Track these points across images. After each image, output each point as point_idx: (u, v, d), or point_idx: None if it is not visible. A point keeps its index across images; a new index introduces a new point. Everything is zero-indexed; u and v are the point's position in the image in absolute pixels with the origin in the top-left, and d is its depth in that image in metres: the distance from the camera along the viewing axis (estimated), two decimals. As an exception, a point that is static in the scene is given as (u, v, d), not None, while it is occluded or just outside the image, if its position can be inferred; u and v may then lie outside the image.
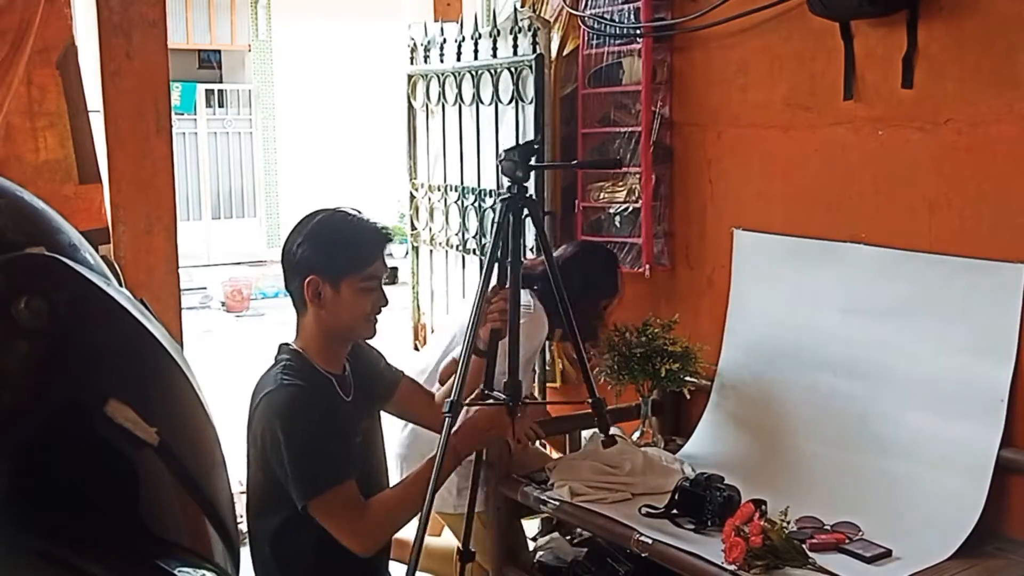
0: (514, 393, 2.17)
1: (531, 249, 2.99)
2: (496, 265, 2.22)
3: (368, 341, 2.23)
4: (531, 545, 3.11)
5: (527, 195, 2.17)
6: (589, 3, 3.23)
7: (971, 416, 2.33)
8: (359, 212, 2.10)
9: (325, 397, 2.08)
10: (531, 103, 3.27)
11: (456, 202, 3.79)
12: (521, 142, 2.23)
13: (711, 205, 3.05)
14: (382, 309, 2.13)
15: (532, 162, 2.21)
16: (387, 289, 2.16)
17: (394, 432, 2.85)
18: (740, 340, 2.91)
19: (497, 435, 2.25)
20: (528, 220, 2.26)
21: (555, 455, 3.21)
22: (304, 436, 1.99)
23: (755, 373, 2.84)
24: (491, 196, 3.58)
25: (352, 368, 2.21)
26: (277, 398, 2.02)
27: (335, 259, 2.04)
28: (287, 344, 2.15)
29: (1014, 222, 2.31)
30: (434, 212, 4.00)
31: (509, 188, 2.16)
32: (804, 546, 2.22)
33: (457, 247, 3.87)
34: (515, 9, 3.40)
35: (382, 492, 2.14)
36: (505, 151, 2.19)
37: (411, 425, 2.73)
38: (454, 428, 2.11)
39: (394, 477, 2.39)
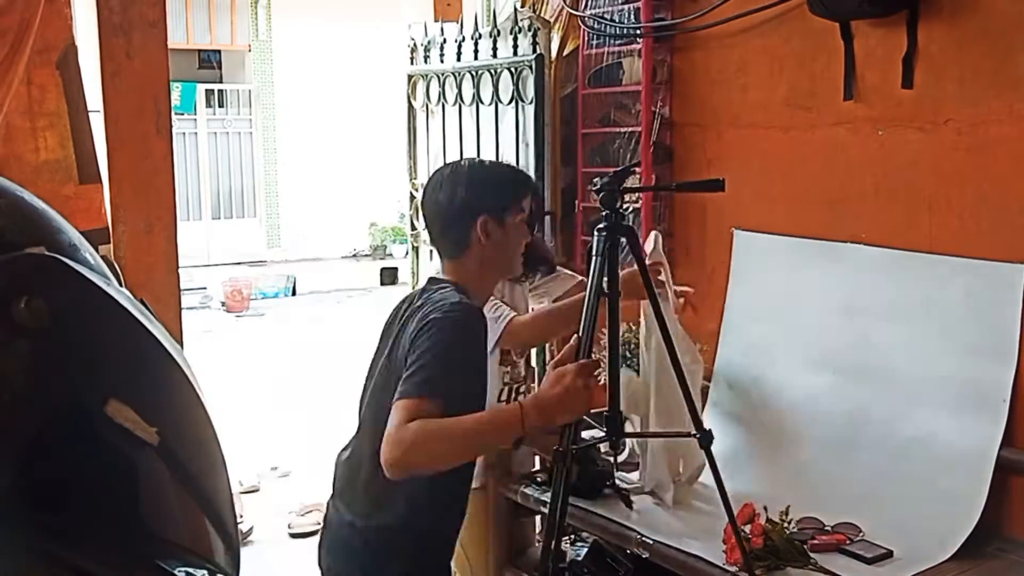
0: (615, 428, 2.06)
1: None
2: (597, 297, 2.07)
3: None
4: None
5: (623, 222, 2.05)
6: (589, 3, 3.23)
7: (971, 416, 2.33)
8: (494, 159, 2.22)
9: (484, 331, 2.04)
10: (531, 103, 3.27)
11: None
12: (617, 168, 2.09)
13: (711, 205, 3.05)
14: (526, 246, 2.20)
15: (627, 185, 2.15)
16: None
17: None
18: (738, 340, 2.91)
19: (573, 412, 1.97)
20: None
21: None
22: (456, 348, 1.94)
23: (754, 373, 2.84)
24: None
25: None
26: (456, 308, 1.97)
27: (501, 196, 2.11)
28: (444, 279, 2.12)
29: (1014, 222, 2.31)
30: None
31: (606, 216, 2.03)
32: (805, 547, 2.22)
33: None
34: (515, 9, 3.40)
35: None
36: (604, 181, 2.06)
37: None
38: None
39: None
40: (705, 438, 2.06)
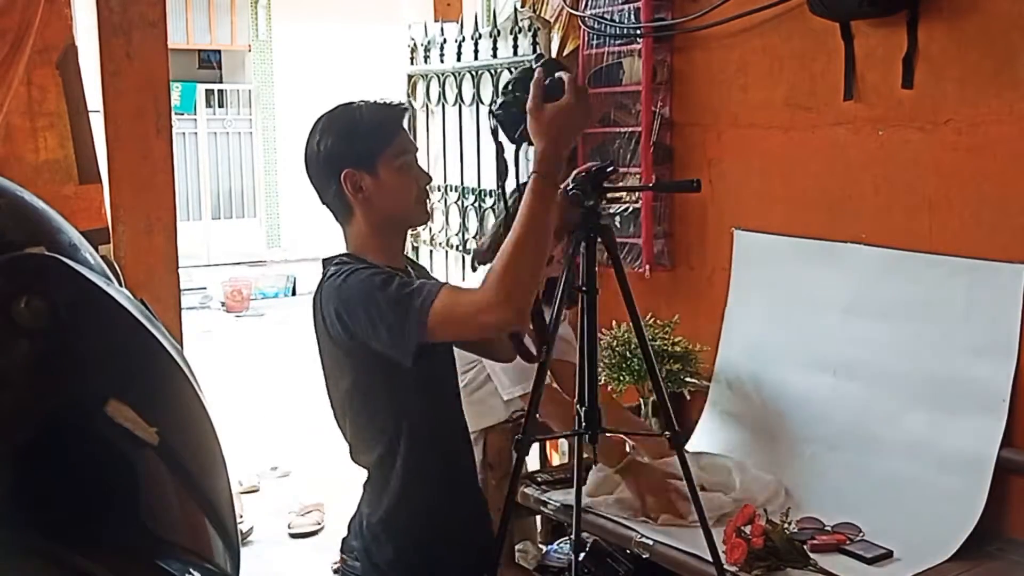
0: (593, 422, 2.05)
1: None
2: (566, 295, 2.06)
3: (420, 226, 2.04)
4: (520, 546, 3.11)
5: (598, 220, 2.01)
6: (589, 3, 3.23)
7: (971, 416, 2.33)
8: (365, 100, 1.96)
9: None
10: (531, 103, 3.26)
11: (456, 202, 3.79)
12: (592, 168, 2.00)
13: (711, 205, 3.05)
14: (428, 189, 1.99)
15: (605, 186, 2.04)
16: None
17: None
18: (738, 340, 2.91)
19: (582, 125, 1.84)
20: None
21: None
22: (381, 283, 1.79)
23: (754, 373, 2.84)
24: (491, 196, 3.58)
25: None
26: (336, 284, 1.84)
27: (359, 143, 1.89)
28: (335, 255, 1.97)
29: (1014, 222, 2.31)
30: (434, 212, 4.00)
31: (582, 215, 1.99)
32: (805, 547, 2.22)
33: (457, 247, 3.87)
34: (515, 9, 3.40)
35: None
36: (575, 183, 1.98)
37: None
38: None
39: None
40: (677, 438, 2.05)
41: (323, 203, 1.96)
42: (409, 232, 4.19)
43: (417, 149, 1.98)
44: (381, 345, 1.79)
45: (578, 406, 2.09)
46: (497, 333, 1.91)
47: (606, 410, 2.12)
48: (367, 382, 1.89)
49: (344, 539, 2.03)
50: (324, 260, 1.97)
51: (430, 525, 1.95)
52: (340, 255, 1.94)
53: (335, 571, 2.16)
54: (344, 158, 1.88)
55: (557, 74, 1.80)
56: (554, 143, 1.77)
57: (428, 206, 2.00)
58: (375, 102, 1.93)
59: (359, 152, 1.88)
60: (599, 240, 2.01)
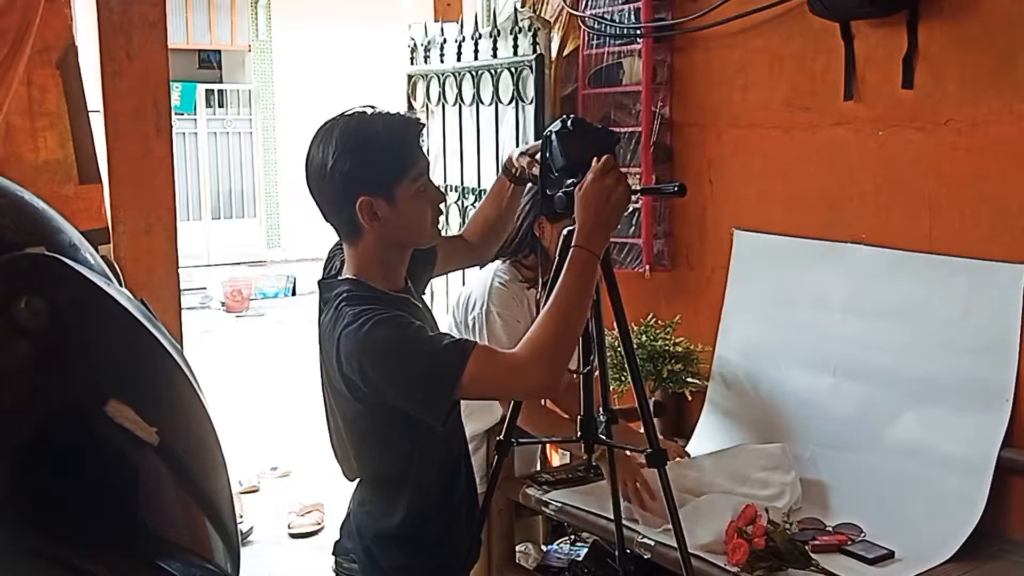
0: (590, 430, 2.05)
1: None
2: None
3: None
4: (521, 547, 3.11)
5: None
6: (589, 3, 3.23)
7: (972, 416, 2.33)
8: (375, 108, 1.85)
9: (403, 311, 1.81)
10: (531, 103, 3.27)
11: (456, 202, 3.79)
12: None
13: (711, 205, 3.05)
14: (441, 208, 1.92)
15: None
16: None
17: None
18: (737, 340, 2.91)
19: (623, 209, 1.82)
20: None
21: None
22: (409, 343, 1.73)
23: (754, 373, 2.84)
24: (491, 196, 3.58)
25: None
26: (359, 333, 1.74)
27: (377, 167, 1.78)
28: (335, 278, 1.90)
29: (1014, 223, 2.31)
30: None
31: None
32: (806, 547, 2.22)
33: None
34: (515, 9, 3.40)
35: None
36: (566, 191, 1.90)
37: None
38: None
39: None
40: (657, 457, 1.98)
41: (328, 221, 1.88)
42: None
43: (428, 167, 1.90)
44: (412, 408, 1.77)
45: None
46: (533, 398, 1.89)
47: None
48: (383, 419, 1.84)
49: (337, 542, 2.02)
50: (322, 283, 1.90)
51: (443, 539, 1.96)
52: (342, 281, 1.87)
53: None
54: (361, 183, 1.78)
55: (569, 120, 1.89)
56: (592, 218, 1.78)
57: (439, 224, 1.93)
58: (392, 116, 1.84)
59: (377, 178, 1.79)
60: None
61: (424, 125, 1.89)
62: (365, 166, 1.78)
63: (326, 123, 1.85)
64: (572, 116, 1.96)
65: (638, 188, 2.39)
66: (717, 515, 2.28)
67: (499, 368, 1.72)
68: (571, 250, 1.78)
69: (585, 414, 2.05)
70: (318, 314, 1.90)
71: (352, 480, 1.99)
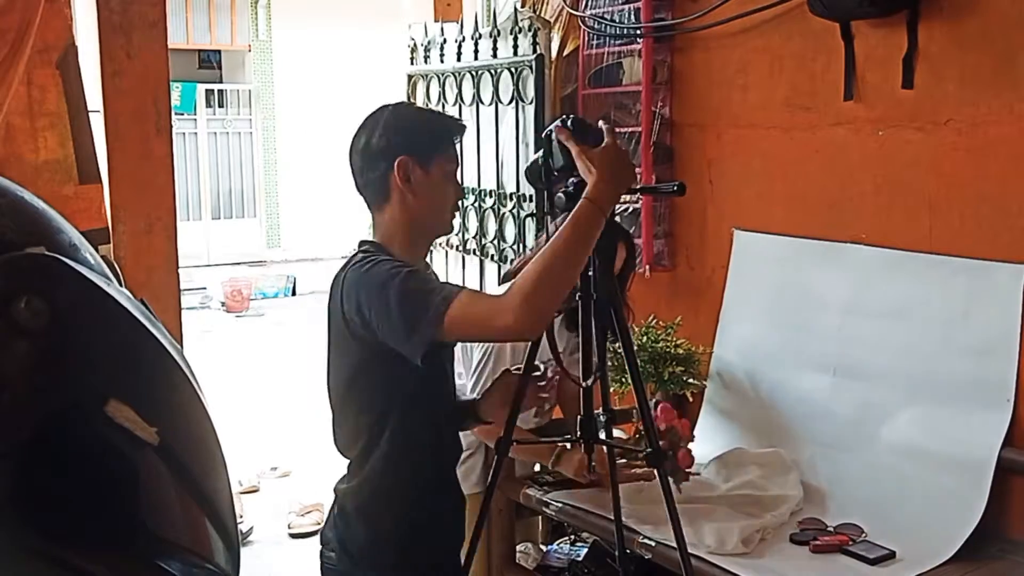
0: (590, 430, 2.05)
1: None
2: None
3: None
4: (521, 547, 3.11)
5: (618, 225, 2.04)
6: (589, 3, 3.23)
7: (972, 416, 2.33)
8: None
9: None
10: (531, 103, 3.27)
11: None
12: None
13: (711, 205, 3.05)
14: (459, 205, 2.05)
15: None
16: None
17: None
18: (735, 340, 2.91)
19: (632, 172, 1.89)
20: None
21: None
22: (406, 278, 1.79)
23: (754, 373, 2.84)
24: (491, 196, 3.58)
25: None
26: (361, 271, 1.85)
27: (424, 137, 1.93)
28: (365, 240, 1.99)
29: (1014, 223, 2.31)
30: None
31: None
32: (807, 548, 2.23)
33: (457, 248, 3.87)
34: (515, 9, 3.40)
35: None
36: (566, 191, 1.95)
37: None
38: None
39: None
40: (655, 457, 2.00)
41: (359, 186, 1.97)
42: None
43: (459, 166, 2.03)
44: (393, 338, 1.80)
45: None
46: (513, 339, 1.94)
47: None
48: (368, 370, 1.91)
49: (321, 531, 2.05)
50: (360, 242, 1.99)
51: (405, 517, 1.96)
52: (369, 241, 1.97)
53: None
54: (404, 146, 1.91)
55: (571, 118, 1.93)
56: (608, 174, 1.83)
57: (454, 218, 2.04)
58: (437, 111, 2.00)
59: (421, 144, 1.92)
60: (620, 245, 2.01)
61: (465, 128, 2.06)
62: (412, 132, 1.93)
63: (373, 112, 1.98)
64: (571, 116, 1.98)
65: (638, 187, 2.39)
66: (724, 518, 2.31)
67: (482, 305, 1.79)
68: (580, 201, 1.81)
69: (585, 414, 2.05)
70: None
71: (342, 454, 2.03)
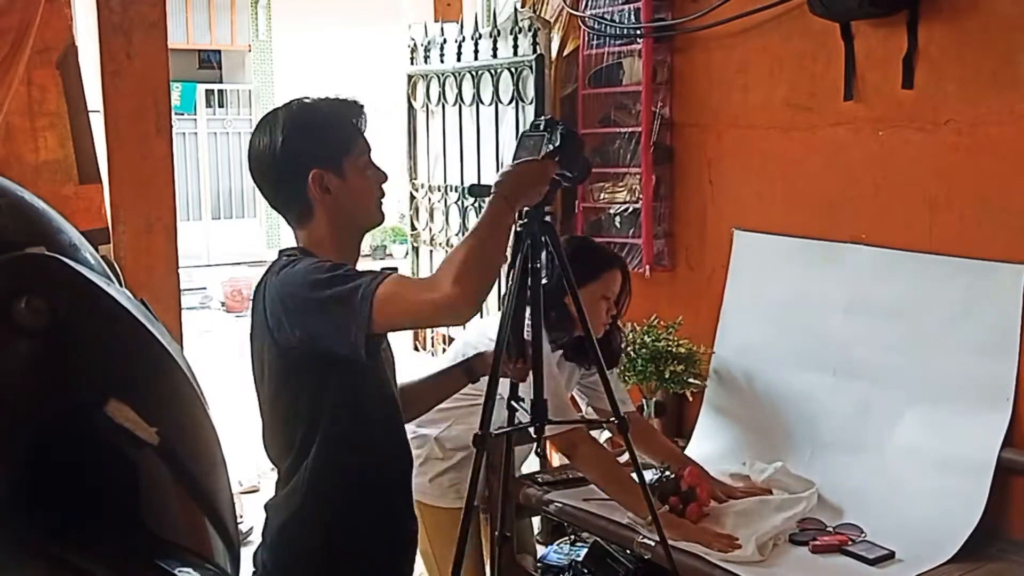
0: (540, 413, 2.03)
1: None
2: (521, 290, 2.03)
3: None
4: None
5: (544, 220, 2.01)
6: (589, 3, 3.23)
7: (972, 416, 2.33)
8: (312, 96, 1.91)
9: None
10: (531, 103, 3.27)
11: (456, 202, 3.79)
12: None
13: (711, 205, 3.05)
14: (385, 190, 1.94)
15: None
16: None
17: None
18: (735, 340, 2.91)
19: (541, 189, 1.91)
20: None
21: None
22: (331, 273, 1.74)
23: (754, 373, 2.84)
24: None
25: None
26: (281, 276, 1.78)
27: (327, 142, 1.83)
28: (287, 248, 1.91)
29: (1014, 222, 2.31)
30: (434, 212, 4.00)
31: (525, 214, 2.01)
32: (807, 548, 2.23)
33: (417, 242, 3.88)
34: (515, 9, 3.40)
35: None
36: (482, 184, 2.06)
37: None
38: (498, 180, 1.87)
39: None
40: (622, 425, 2.05)
41: (273, 203, 1.90)
42: (408, 232, 4.22)
43: (371, 148, 1.92)
44: (328, 336, 1.72)
45: (512, 401, 2.11)
46: (447, 315, 1.82)
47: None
48: (295, 377, 1.81)
49: (255, 552, 1.90)
50: (280, 251, 1.91)
51: (328, 539, 1.82)
52: (293, 248, 1.89)
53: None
54: (311, 157, 1.82)
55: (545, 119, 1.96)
56: (517, 176, 1.87)
57: (382, 205, 1.96)
58: (332, 98, 1.90)
59: (326, 151, 1.83)
60: (544, 238, 2.01)
61: (363, 107, 1.91)
62: (315, 141, 1.83)
63: (266, 115, 1.89)
64: (547, 117, 2.01)
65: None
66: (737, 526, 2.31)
67: (410, 286, 1.75)
68: (493, 193, 1.83)
69: (535, 397, 2.02)
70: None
71: (275, 465, 1.91)
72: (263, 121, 1.87)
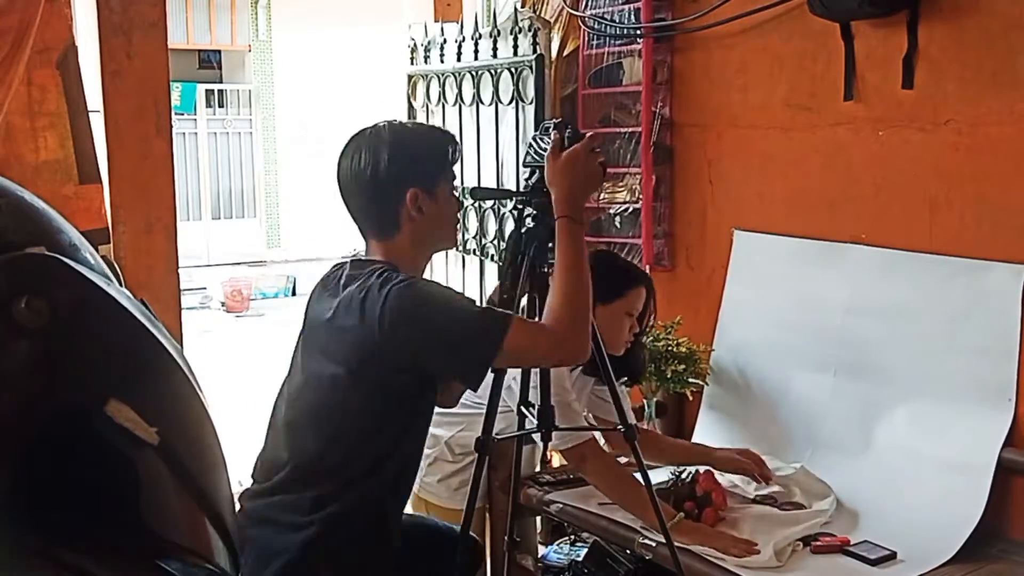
0: (547, 419, 2.07)
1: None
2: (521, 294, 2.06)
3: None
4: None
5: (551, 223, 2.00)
6: (589, 3, 3.23)
7: (972, 417, 2.33)
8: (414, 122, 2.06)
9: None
10: (531, 103, 3.27)
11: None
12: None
13: (711, 206, 3.05)
14: (459, 218, 2.09)
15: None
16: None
17: None
18: (735, 340, 2.91)
19: (592, 177, 1.97)
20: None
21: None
22: (459, 300, 1.89)
23: (754, 373, 2.84)
24: (491, 196, 3.58)
25: None
26: (406, 289, 1.82)
27: (429, 166, 1.94)
28: (365, 259, 1.96)
29: (1014, 223, 2.31)
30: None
31: (535, 217, 2.04)
32: (807, 548, 2.23)
33: (457, 248, 3.87)
34: (515, 9, 3.40)
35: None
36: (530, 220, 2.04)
37: None
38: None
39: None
40: (629, 432, 2.08)
41: (357, 215, 1.97)
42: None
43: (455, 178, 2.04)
44: (448, 364, 1.85)
45: (522, 407, 2.13)
46: (570, 363, 2.02)
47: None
48: (391, 393, 1.87)
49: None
50: (353, 261, 1.97)
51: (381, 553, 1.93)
52: (376, 261, 1.93)
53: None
54: (413, 176, 1.91)
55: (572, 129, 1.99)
56: (568, 186, 1.92)
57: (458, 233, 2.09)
58: (431, 126, 2.03)
59: (426, 172, 1.93)
60: (551, 244, 2.00)
61: (457, 141, 2.05)
62: (418, 160, 1.93)
63: (359, 132, 1.97)
64: (556, 120, 2.04)
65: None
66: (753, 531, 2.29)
67: (538, 335, 1.84)
68: (557, 221, 1.91)
69: (543, 403, 2.06)
70: (322, 292, 1.96)
71: (263, 480, 1.96)
72: (355, 141, 1.95)
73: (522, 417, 2.15)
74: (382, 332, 1.80)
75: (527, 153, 2.04)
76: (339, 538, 1.87)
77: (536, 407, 2.08)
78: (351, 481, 1.88)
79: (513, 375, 2.19)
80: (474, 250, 3.72)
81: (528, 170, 2.05)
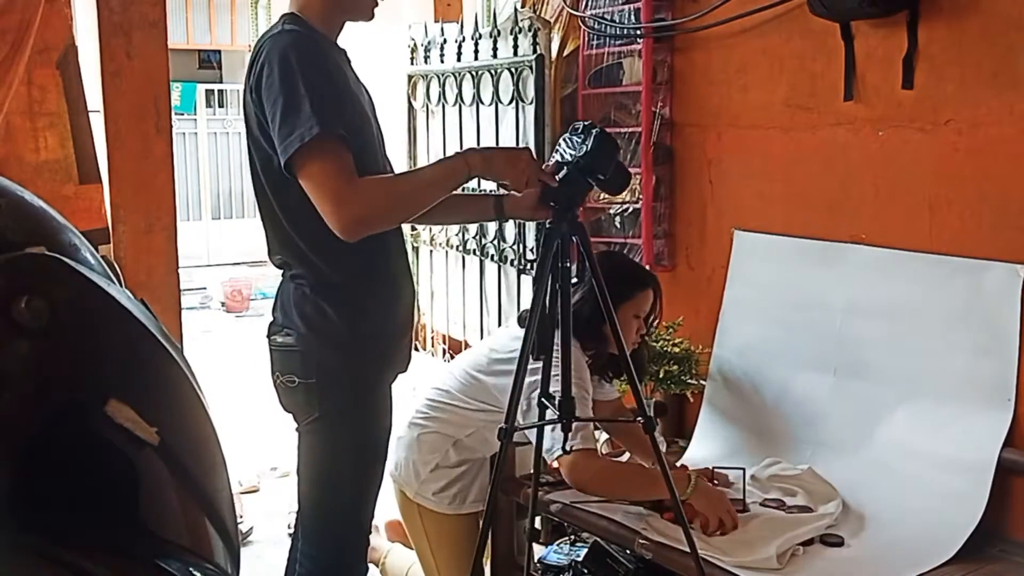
0: (567, 410, 2.09)
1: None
2: (545, 294, 2.07)
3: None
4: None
5: (575, 219, 2.05)
6: (589, 3, 3.23)
7: (972, 417, 2.33)
8: None
9: (331, 52, 2.03)
10: (531, 103, 3.27)
11: (456, 202, 3.79)
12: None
13: (711, 206, 3.05)
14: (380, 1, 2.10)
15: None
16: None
17: None
18: (735, 340, 2.91)
19: (513, 173, 2.02)
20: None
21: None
22: (304, 74, 1.86)
23: (753, 373, 2.84)
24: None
25: None
26: (280, 40, 1.90)
27: None
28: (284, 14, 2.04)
29: (1014, 223, 2.31)
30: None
31: (555, 213, 2.05)
32: (808, 551, 2.23)
33: (457, 247, 3.87)
34: (515, 9, 3.40)
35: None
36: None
37: None
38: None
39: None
40: (648, 424, 2.09)
41: None
42: (408, 233, 4.22)
43: None
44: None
45: (542, 398, 2.16)
46: (337, 227, 1.93)
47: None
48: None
49: (270, 324, 2.22)
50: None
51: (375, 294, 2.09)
52: (284, 16, 2.00)
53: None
54: None
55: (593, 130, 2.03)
56: (490, 158, 2.04)
57: (375, 6, 2.15)
58: None
59: None
60: (574, 239, 2.06)
61: None
62: None
63: None
64: (585, 122, 2.06)
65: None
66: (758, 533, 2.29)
67: (329, 175, 1.86)
68: (461, 155, 2.02)
69: (563, 395, 2.08)
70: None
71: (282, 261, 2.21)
72: None
73: (543, 408, 2.19)
74: (256, 78, 1.92)
75: (556, 149, 2.08)
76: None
77: (556, 399, 2.11)
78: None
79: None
80: (474, 250, 3.72)
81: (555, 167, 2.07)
